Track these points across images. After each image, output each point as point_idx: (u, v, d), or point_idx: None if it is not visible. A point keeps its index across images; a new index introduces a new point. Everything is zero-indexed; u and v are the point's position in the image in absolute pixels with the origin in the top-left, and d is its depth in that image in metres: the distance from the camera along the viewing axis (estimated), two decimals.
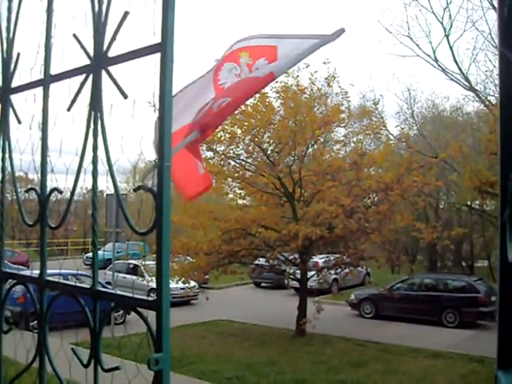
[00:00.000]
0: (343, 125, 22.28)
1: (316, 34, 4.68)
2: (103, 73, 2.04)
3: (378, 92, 30.58)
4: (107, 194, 16.10)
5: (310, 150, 21.57)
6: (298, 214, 19.97)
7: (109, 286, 19.32)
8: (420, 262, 39.65)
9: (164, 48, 1.81)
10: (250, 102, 19.88)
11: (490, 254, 37.77)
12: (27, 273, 2.57)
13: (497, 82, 26.85)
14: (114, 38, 2.01)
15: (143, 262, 25.51)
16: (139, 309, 1.92)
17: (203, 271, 20.85)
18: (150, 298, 1.85)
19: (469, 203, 33.31)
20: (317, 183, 20.64)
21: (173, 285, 22.83)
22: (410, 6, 29.37)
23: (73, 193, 2.18)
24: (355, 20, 52.16)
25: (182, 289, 24.87)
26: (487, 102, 26.96)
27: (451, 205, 37.58)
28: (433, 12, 28.58)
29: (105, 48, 2.04)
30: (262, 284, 33.43)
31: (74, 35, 2.15)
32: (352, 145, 23.56)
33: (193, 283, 23.58)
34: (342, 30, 4.73)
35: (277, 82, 20.13)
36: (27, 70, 2.51)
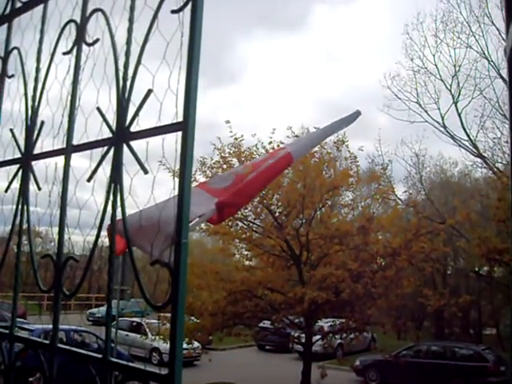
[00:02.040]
0: (352, 189, 22.39)
1: (332, 122, 4.80)
2: (124, 146, 2.11)
3: (386, 157, 30.61)
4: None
5: (318, 213, 21.59)
6: (305, 278, 19.87)
7: (111, 344, 19.10)
8: (427, 328, 39.13)
9: (186, 127, 1.88)
10: None
11: (499, 321, 37.28)
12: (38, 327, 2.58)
13: (505, 149, 27.11)
14: (136, 114, 2.08)
15: (146, 321, 25.31)
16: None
17: (207, 332, 20.65)
18: (162, 372, 1.85)
19: (477, 269, 33.12)
20: (324, 247, 20.58)
21: None
22: (419, 73, 29.76)
23: (89, 262, 2.22)
24: (365, 85, 52.91)
25: (185, 349, 24.58)
26: (495, 169, 27.10)
27: (459, 271, 37.35)
28: (441, 79, 29.10)
29: (127, 123, 2.10)
30: (266, 347, 32.99)
31: (98, 108, 2.23)
32: (360, 209, 23.58)
33: (196, 344, 23.31)
34: (358, 113, 4.88)
35: None
36: (50, 136, 2.59)
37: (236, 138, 20.48)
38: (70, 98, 2.43)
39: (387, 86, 30.66)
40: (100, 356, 2.09)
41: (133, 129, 2.09)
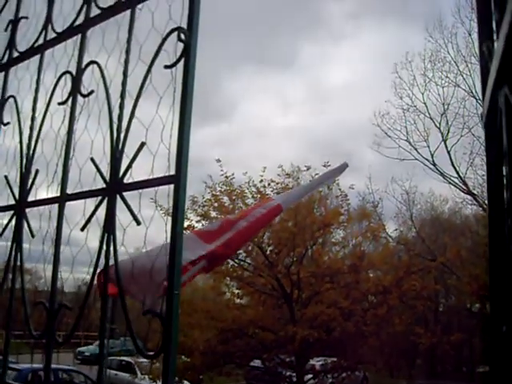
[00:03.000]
0: (342, 227, 22.44)
1: (321, 174, 4.88)
2: (118, 197, 2.16)
3: (377, 194, 30.74)
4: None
5: (309, 251, 21.59)
6: (296, 316, 19.79)
7: None
8: (419, 366, 38.85)
9: (178, 180, 1.93)
10: (250, 202, 20.15)
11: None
12: None
13: None
14: (129, 166, 2.14)
15: (136, 360, 25.03)
16: None
17: (198, 371, 20.45)
18: None
19: (468, 306, 33.09)
20: (315, 285, 20.54)
21: None
22: (409, 111, 30.09)
23: (81, 311, 2.25)
24: (355, 124, 53.36)
25: None
26: (485, 206, 27.23)
27: (450, 308, 37.28)
28: (430, 118, 29.43)
29: (121, 174, 2.16)
30: None
31: (92, 159, 2.28)
32: (351, 246, 23.61)
33: (186, 383, 23.07)
34: (345, 165, 4.98)
35: (277, 184, 20.48)
36: (45, 182, 2.63)
37: (227, 177, 20.57)
38: (64, 147, 2.48)
39: (377, 124, 30.94)
40: None
41: (126, 180, 2.15)
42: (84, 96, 2.47)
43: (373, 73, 54.28)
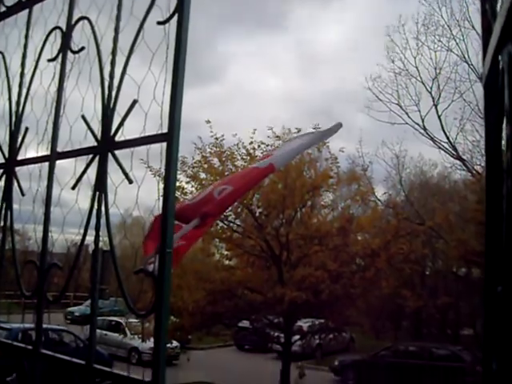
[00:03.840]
0: (332, 190, 22.46)
1: (315, 131, 4.85)
2: (109, 155, 2.12)
3: (367, 158, 30.71)
4: (93, 250, 16.04)
5: (298, 213, 21.62)
6: (284, 278, 19.90)
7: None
8: (405, 328, 39.27)
9: (171, 138, 1.90)
10: (240, 164, 20.10)
11: (476, 322, 37.58)
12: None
13: (483, 151, 27.23)
14: (121, 124, 2.10)
15: (126, 320, 25.15)
16: None
17: (187, 331, 20.62)
18: (146, 379, 1.88)
19: (455, 271, 33.37)
20: (304, 247, 20.61)
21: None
22: (400, 75, 29.87)
23: (72, 271, 2.24)
24: (346, 86, 53.05)
25: None
26: (474, 171, 27.33)
27: (437, 272, 37.56)
28: (422, 82, 29.25)
29: (112, 132, 2.12)
30: (245, 347, 32.97)
31: (83, 117, 2.25)
32: (340, 209, 23.66)
33: (175, 343, 23.27)
34: (339, 125, 4.92)
35: (267, 146, 20.40)
36: (34, 142, 2.59)
37: (217, 138, 20.46)
38: (55, 104, 2.44)
39: (368, 88, 30.70)
40: (83, 362, 2.11)
41: (118, 138, 2.11)
42: (74, 52, 2.41)
43: (364, 35, 53.78)
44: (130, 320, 23.64)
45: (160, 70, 1.99)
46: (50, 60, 2.50)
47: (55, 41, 2.51)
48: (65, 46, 2.44)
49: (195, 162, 20.27)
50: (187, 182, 19.83)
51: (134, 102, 2.06)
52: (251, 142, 20.54)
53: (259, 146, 20.52)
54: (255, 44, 59.23)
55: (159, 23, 2.02)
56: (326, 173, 21.54)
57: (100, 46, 2.26)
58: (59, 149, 2.41)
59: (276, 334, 22.27)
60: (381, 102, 30.06)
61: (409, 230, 21.98)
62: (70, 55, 2.44)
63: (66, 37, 2.44)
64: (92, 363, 2.08)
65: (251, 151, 20.49)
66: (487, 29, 1.32)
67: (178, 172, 19.56)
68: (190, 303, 19.15)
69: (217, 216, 5.01)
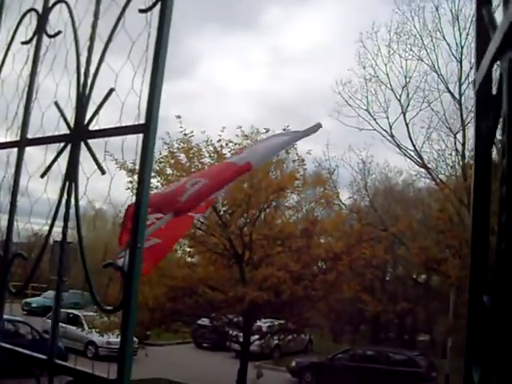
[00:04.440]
0: (297, 191, 22.51)
1: (295, 130, 4.83)
2: (82, 144, 2.05)
3: (333, 161, 30.93)
4: (54, 241, 15.84)
5: (263, 213, 21.63)
6: (246, 277, 19.90)
7: (46, 335, 18.77)
8: (362, 332, 39.63)
9: (148, 129, 1.84)
10: (207, 161, 20.03)
11: (433, 328, 38.08)
12: None
13: (448, 161, 27.67)
14: (96, 112, 2.04)
15: (84, 313, 24.89)
16: None
17: (146, 327, 20.47)
18: (111, 378, 1.82)
19: (414, 277, 33.79)
20: (267, 247, 20.64)
21: (112, 338, 22.36)
22: (371, 81, 30.07)
23: (38, 260, 2.16)
24: (316, 89, 53.27)
25: None
26: (438, 180, 27.66)
27: (397, 278, 37.96)
28: (392, 89, 29.49)
29: (86, 121, 2.05)
30: (204, 344, 32.89)
31: (56, 103, 2.17)
32: (304, 211, 23.75)
33: (134, 338, 23.11)
34: (318, 125, 4.90)
35: (235, 144, 20.36)
36: (3, 128, 2.51)
37: (185, 134, 20.35)
38: (27, 89, 2.35)
39: (338, 92, 30.85)
40: (45, 357, 2.04)
41: (92, 127, 2.05)
42: (50, 36, 2.32)
43: (338, 40, 54.12)
44: (89, 313, 23.42)
45: (140, 59, 1.93)
46: (23, 43, 2.41)
47: (30, 23, 2.41)
48: (40, 29, 2.35)
49: (162, 157, 20.15)
50: (153, 177, 19.67)
51: (111, 90, 2.00)
52: (219, 140, 20.49)
53: (227, 145, 20.47)
54: (228, 42, 59.10)
55: (141, 11, 1.95)
56: (293, 174, 21.59)
57: (77, 31, 2.18)
58: (30, 135, 2.33)
59: (235, 333, 22.26)
60: (350, 107, 30.25)
61: (372, 235, 22.18)
62: (45, 39, 2.35)
63: (42, 19, 2.36)
64: (54, 358, 2.01)
65: (219, 149, 20.43)
66: (483, 34, 1.30)
67: None
68: (151, 299, 19.02)
69: (189, 211, 4.90)
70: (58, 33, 2.28)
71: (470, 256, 1.28)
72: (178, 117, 20.42)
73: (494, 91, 1.29)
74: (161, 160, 20.03)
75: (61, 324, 26.20)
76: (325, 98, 56.59)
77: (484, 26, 1.28)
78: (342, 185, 32.29)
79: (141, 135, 1.86)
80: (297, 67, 58.82)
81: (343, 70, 36.19)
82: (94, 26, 2.11)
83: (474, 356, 1.24)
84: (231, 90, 60.14)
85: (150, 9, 1.93)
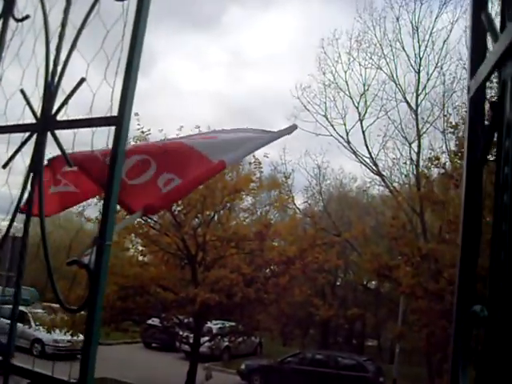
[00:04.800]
0: (252, 194, 22.50)
1: (268, 130, 4.76)
2: (48, 135, 1.96)
3: (289, 165, 31.17)
4: (23, 236, 15.50)
5: (217, 215, 21.56)
6: (198, 278, 19.78)
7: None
8: (312, 336, 39.89)
9: (120, 122, 1.76)
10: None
11: (381, 334, 38.57)
12: None
13: (402, 169, 28.12)
14: (65, 102, 1.94)
15: (32, 310, 24.41)
16: None
17: None
18: (72, 380, 1.73)
19: (365, 283, 34.16)
20: (220, 249, 20.56)
21: (60, 336, 21.99)
22: (330, 87, 30.33)
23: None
24: (275, 93, 53.45)
25: (69, 341, 23.83)
26: (392, 188, 28.02)
27: (348, 283, 38.34)
28: (350, 96, 29.82)
29: (54, 110, 1.96)
30: (153, 345, 32.59)
31: (22, 91, 2.07)
32: (258, 214, 23.77)
33: (81, 337, 22.74)
34: (294, 127, 4.86)
35: None
36: None
37: (143, 132, 20.13)
38: None
39: (297, 97, 31.05)
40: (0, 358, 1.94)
41: (60, 118, 1.95)
42: (18, 21, 2.21)
43: (298, 44, 54.35)
44: (35, 310, 22.98)
45: (114, 49, 1.84)
46: None
47: None
48: (7, 13, 2.23)
49: None
50: None
51: (82, 79, 1.91)
52: None
53: None
54: (186, 40, 58.78)
55: None
56: (249, 177, 21.57)
57: (48, 17, 2.08)
58: None
59: (185, 333, 22.11)
60: (308, 112, 30.45)
61: (325, 240, 22.29)
62: (12, 23, 2.23)
63: (9, 2, 2.24)
64: (10, 359, 1.91)
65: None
66: (480, 39, 1.27)
67: None
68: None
69: (161, 210, 4.77)
70: (27, 17, 2.17)
71: (458, 266, 1.25)
72: (136, 114, 20.17)
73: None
74: None
75: (6, 321, 25.74)
76: (283, 102, 56.83)
77: (481, 31, 1.25)
78: (297, 189, 32.51)
79: (112, 128, 1.78)
80: (257, 70, 58.93)
81: (303, 75, 36.46)
82: (66, 11, 2.01)
83: (462, 364, 1.21)
84: (189, 90, 59.83)
85: None
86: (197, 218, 20.96)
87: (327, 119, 30.08)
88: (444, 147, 25.75)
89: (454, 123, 21.23)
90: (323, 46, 31.05)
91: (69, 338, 22.51)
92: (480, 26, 1.27)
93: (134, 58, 1.80)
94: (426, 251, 19.36)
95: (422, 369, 25.79)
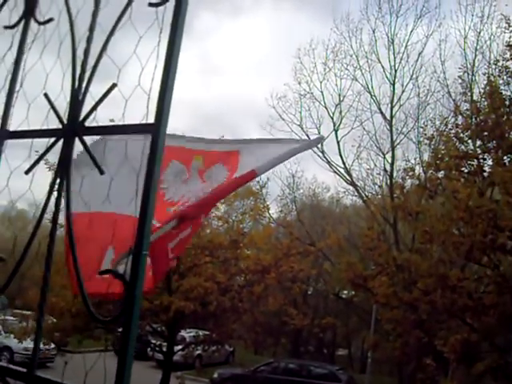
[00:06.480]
0: (226, 202, 22.45)
1: (295, 139, 4.75)
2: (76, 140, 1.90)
3: (264, 174, 31.18)
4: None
5: None
6: (173, 286, 19.64)
7: None
8: (283, 345, 39.86)
9: (157, 130, 1.71)
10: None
11: (351, 343, 38.70)
12: None
13: (376, 180, 28.33)
14: (94, 108, 1.89)
15: (1, 317, 24.01)
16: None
17: (66, 334, 19.91)
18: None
19: (337, 292, 34.29)
20: (194, 257, 20.44)
21: (30, 345, 21.65)
22: (305, 97, 30.52)
23: (19, 263, 1.99)
24: (250, 102, 53.54)
25: (40, 350, 23.46)
26: (365, 198, 28.19)
27: (319, 292, 38.41)
28: (325, 106, 30.02)
29: (82, 116, 1.90)
30: None
31: (46, 95, 2.01)
32: (232, 223, 23.72)
33: (52, 344, 22.43)
34: (321, 138, 4.87)
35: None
36: None
37: None
38: (10, 77, 2.17)
39: (273, 106, 31.17)
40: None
41: (87, 124, 1.90)
42: (40, 23, 2.14)
43: (274, 54, 54.53)
44: (6, 317, 22.61)
45: (149, 53, 1.80)
46: (7, 27, 2.20)
47: (15, 5, 2.19)
48: (28, 15, 2.16)
49: None
50: None
51: (113, 85, 1.86)
52: None
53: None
54: (155, 44, 58.49)
55: (151, 5, 1.81)
56: None
57: (74, 20, 2.01)
58: (12, 128, 2.14)
59: (158, 342, 21.92)
60: (283, 121, 30.56)
61: (300, 249, 22.32)
62: (34, 25, 2.15)
63: (31, 3, 2.16)
64: (34, 371, 1.85)
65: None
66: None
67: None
68: (74, 304, 18.49)
69: (195, 217, 4.67)
70: (50, 20, 2.10)
71: None
72: (112, 120, 20.01)
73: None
74: None
75: None
76: (258, 111, 56.93)
77: None
78: (270, 198, 32.54)
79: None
80: (231, 78, 58.94)
81: (279, 84, 36.59)
82: (94, 15, 1.95)
83: None
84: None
85: (161, 3, 1.79)
86: None
87: (302, 129, 30.27)
88: (418, 158, 26.03)
89: (429, 135, 21.44)
90: (299, 56, 31.26)
91: (40, 346, 22.11)
92: None
93: (172, 64, 1.76)
94: (400, 261, 19.47)
95: (393, 379, 25.97)
